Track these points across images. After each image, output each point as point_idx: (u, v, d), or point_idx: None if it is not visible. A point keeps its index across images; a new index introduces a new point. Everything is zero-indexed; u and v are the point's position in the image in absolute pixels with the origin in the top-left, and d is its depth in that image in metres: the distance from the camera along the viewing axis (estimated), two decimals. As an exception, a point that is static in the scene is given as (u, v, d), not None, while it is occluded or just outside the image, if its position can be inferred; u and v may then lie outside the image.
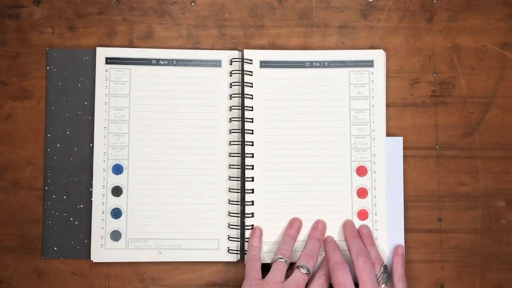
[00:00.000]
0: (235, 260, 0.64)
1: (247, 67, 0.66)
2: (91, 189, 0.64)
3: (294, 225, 0.63)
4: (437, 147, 0.66)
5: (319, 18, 0.67)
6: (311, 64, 0.66)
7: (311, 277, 0.60)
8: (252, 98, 0.65)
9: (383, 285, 0.59)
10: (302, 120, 0.65)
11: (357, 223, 0.64)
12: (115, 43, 0.66)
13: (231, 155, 0.65)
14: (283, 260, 0.60)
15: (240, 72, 0.66)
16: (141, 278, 0.64)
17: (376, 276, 0.60)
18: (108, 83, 0.65)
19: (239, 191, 0.64)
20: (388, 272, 0.61)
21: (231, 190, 0.64)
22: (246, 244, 0.64)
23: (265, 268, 0.61)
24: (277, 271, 0.59)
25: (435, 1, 0.67)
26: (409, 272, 0.65)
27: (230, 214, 0.64)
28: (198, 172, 0.65)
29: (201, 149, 0.65)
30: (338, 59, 0.66)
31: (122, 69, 0.65)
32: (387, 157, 0.65)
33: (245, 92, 0.65)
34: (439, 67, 0.67)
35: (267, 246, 0.64)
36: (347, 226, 0.64)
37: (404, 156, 0.66)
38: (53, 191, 0.64)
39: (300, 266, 0.60)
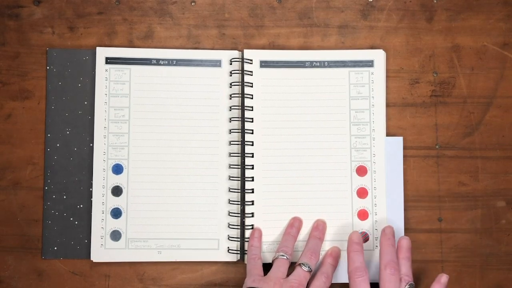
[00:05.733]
0: (235, 260, 0.64)
1: (247, 67, 0.65)
2: (91, 189, 0.64)
3: (295, 224, 0.63)
4: (437, 147, 0.66)
5: (319, 18, 0.67)
6: (311, 64, 0.66)
7: (312, 274, 0.60)
8: (252, 98, 0.65)
9: None
10: (302, 120, 0.65)
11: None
12: (115, 43, 0.66)
13: (231, 155, 0.65)
14: (285, 257, 0.60)
15: (240, 72, 0.65)
16: (141, 278, 0.64)
17: None
18: (108, 83, 0.65)
19: (239, 191, 0.64)
20: None
21: (231, 190, 0.64)
22: (246, 244, 0.64)
23: (265, 269, 0.61)
24: (279, 268, 0.59)
25: (435, 1, 0.67)
26: (409, 272, 0.65)
27: (230, 214, 0.64)
28: (198, 172, 0.65)
29: (201, 149, 0.65)
30: (338, 59, 0.66)
31: (122, 69, 0.65)
32: (387, 157, 0.65)
33: (245, 92, 0.65)
34: (439, 67, 0.67)
35: (267, 246, 0.64)
36: (386, 232, 0.62)
37: (404, 156, 0.66)
38: (53, 191, 0.64)
39: (302, 263, 0.60)
